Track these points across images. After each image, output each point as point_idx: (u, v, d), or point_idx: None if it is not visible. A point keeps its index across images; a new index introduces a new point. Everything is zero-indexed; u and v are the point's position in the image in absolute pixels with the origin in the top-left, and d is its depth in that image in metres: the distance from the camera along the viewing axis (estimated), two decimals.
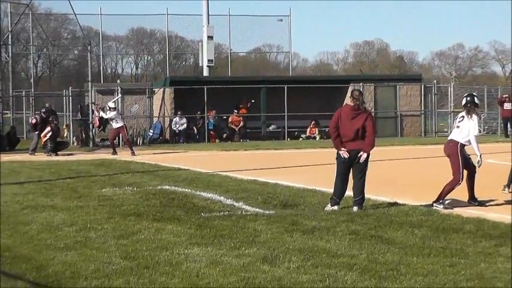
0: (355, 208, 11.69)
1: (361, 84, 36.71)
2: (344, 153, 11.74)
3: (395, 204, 12.18)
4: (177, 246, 8.81)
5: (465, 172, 12.15)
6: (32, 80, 49.15)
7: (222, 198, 13.35)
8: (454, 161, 12.12)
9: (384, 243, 8.82)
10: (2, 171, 19.02)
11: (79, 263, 7.95)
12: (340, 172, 11.93)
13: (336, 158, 11.98)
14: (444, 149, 12.43)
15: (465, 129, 12.18)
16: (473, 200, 12.37)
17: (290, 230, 9.76)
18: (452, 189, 12.06)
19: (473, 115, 12.25)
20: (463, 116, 12.36)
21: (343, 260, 7.92)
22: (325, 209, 11.80)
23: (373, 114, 26.65)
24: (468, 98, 12.49)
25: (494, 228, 9.80)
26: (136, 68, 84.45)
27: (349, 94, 12.11)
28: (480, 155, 12.19)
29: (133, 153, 26.75)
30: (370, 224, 10.16)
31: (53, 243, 9.13)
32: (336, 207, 11.79)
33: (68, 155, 27.73)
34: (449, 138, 12.56)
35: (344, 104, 12.24)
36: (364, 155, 11.67)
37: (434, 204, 11.93)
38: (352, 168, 11.88)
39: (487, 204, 12.40)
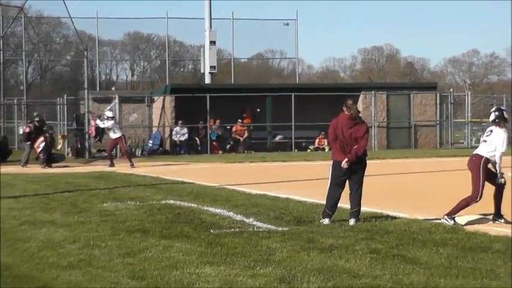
0: (351, 221, 11.85)
1: (372, 92, 36.71)
2: (345, 164, 11.84)
3: (416, 220, 12.11)
4: (187, 265, 8.76)
5: (490, 188, 12.12)
6: (23, 87, 49.12)
7: (231, 213, 13.31)
8: (475, 177, 12.09)
9: (408, 263, 8.77)
10: None
11: (84, 283, 7.93)
12: (334, 183, 12.10)
13: (331, 169, 12.15)
14: (467, 163, 12.40)
15: (493, 144, 12.16)
16: (498, 217, 12.31)
17: (307, 248, 9.72)
18: (468, 205, 12.06)
19: (503, 130, 12.21)
20: (491, 130, 12.33)
21: (365, 281, 7.88)
22: (320, 221, 12.00)
23: (384, 124, 26.57)
24: (497, 113, 12.47)
25: None
26: (132, 75, 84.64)
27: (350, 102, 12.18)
28: (502, 174, 12.20)
29: (132, 166, 26.76)
30: (391, 242, 10.11)
31: (55, 262, 9.09)
32: (326, 220, 11.94)
33: (64, 167, 27.73)
34: (474, 152, 12.49)
35: (340, 113, 12.27)
36: (346, 160, 11.88)
37: (445, 217, 11.91)
38: (349, 180, 11.94)
39: None
